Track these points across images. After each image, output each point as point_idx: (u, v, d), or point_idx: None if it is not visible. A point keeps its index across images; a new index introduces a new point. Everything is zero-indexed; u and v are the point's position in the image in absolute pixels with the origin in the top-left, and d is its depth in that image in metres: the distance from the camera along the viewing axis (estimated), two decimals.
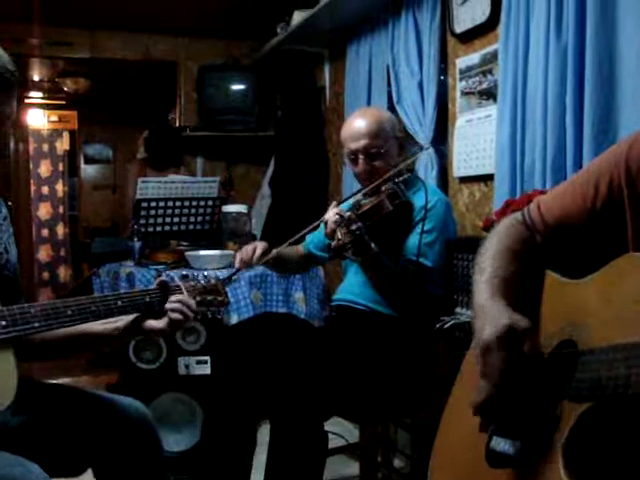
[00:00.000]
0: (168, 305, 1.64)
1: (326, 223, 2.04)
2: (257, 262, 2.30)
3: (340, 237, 1.92)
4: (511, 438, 1.12)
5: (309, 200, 4.20)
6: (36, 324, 1.43)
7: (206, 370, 2.92)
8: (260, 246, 2.34)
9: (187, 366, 2.92)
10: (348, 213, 2.00)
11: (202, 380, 2.93)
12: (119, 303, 1.57)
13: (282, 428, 2.03)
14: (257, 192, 5.03)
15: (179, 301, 1.65)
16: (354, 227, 1.93)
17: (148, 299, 1.63)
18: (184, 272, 1.84)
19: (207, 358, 2.93)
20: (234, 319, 3.10)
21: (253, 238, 3.83)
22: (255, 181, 5.11)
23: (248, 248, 2.35)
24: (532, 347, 1.15)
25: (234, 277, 2.19)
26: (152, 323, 1.62)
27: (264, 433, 2.39)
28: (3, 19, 4.21)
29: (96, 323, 1.63)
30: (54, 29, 4.67)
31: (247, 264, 2.31)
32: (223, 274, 2.56)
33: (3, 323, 1.38)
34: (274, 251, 2.34)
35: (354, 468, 2.99)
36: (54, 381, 1.84)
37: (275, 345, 2.53)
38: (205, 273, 1.85)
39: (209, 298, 1.77)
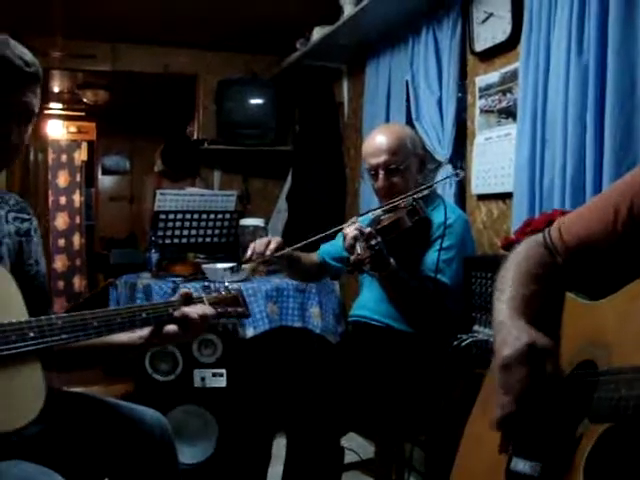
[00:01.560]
0: (187, 310, 1.65)
1: (345, 237, 2.05)
2: (270, 255, 2.30)
3: (359, 251, 1.93)
4: (531, 459, 1.12)
5: (326, 215, 4.21)
6: (64, 335, 1.44)
7: (222, 383, 2.92)
8: (275, 240, 2.34)
9: (203, 378, 2.92)
10: (368, 228, 2.01)
11: (217, 393, 2.93)
12: (143, 315, 1.58)
13: (299, 442, 2.04)
14: (273, 206, 5.05)
15: (199, 310, 1.66)
16: (373, 242, 1.94)
17: (172, 311, 1.64)
18: (205, 283, 1.85)
19: (223, 371, 2.93)
20: (250, 332, 3.11)
21: None
22: (272, 195, 5.13)
23: (263, 240, 2.35)
24: (552, 366, 1.15)
25: (243, 266, 2.16)
26: (172, 329, 1.63)
27: (279, 446, 2.40)
28: (26, 32, 4.26)
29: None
30: (76, 42, 4.72)
31: (260, 255, 2.31)
32: (246, 286, 2.56)
33: (31, 334, 1.38)
34: (288, 249, 2.35)
35: None
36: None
37: (291, 359, 2.54)
38: (226, 284, 1.86)
39: (230, 309, 1.77)
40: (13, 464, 1.33)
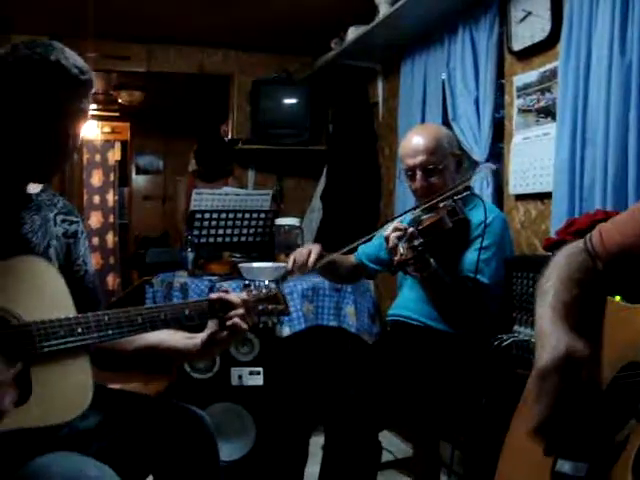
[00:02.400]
0: (225, 295, 1.66)
1: (387, 238, 2.05)
2: (312, 266, 2.31)
3: (402, 252, 1.94)
4: (577, 460, 1.12)
5: (360, 215, 4.22)
6: (110, 331, 1.47)
7: (259, 381, 2.95)
8: (315, 250, 2.35)
9: (240, 377, 2.95)
10: (411, 229, 2.01)
11: (254, 391, 2.95)
12: (186, 312, 1.60)
13: (337, 437, 2.05)
14: (307, 205, 5.07)
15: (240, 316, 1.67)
16: (416, 243, 1.95)
17: (208, 309, 1.66)
18: (246, 282, 1.86)
19: (260, 369, 2.95)
20: (286, 331, 3.13)
21: None
22: (305, 194, 5.15)
23: (303, 251, 2.36)
24: (591, 373, 1.15)
25: (286, 279, 2.18)
26: (221, 334, 1.65)
27: (314, 445, 2.42)
28: (63, 34, 4.32)
29: (179, 339, 1.67)
30: (111, 43, 4.78)
31: (302, 269, 2.33)
32: (282, 285, 2.58)
33: (79, 330, 1.42)
34: (328, 257, 2.36)
35: None
36: None
37: (326, 358, 2.55)
38: (266, 282, 1.87)
39: (270, 307, 1.78)
40: (64, 456, 1.36)
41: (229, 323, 1.63)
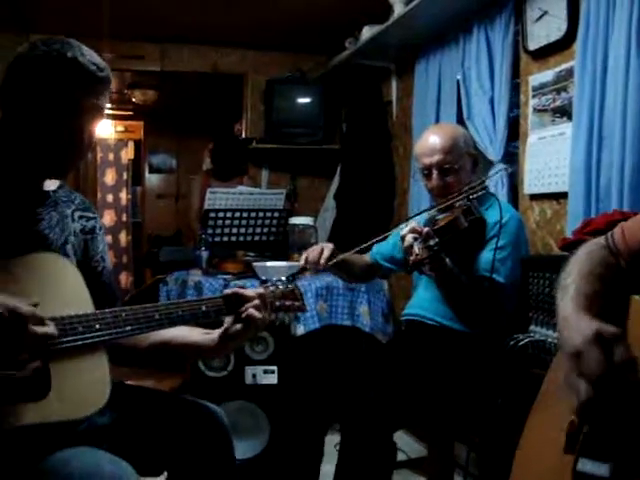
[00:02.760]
0: (241, 289, 1.67)
1: (403, 238, 2.05)
2: (324, 265, 2.32)
3: (418, 252, 1.94)
4: (601, 460, 1.11)
5: (374, 214, 4.22)
6: (127, 328, 1.48)
7: (273, 380, 2.95)
8: (327, 248, 2.36)
9: (254, 375, 2.95)
10: (426, 228, 2.01)
11: (269, 390, 2.96)
12: (203, 308, 1.61)
13: (353, 436, 2.05)
14: (320, 204, 5.07)
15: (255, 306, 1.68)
16: (432, 243, 1.95)
17: (224, 304, 1.66)
18: (263, 278, 1.86)
19: (274, 368, 2.96)
20: (301, 330, 3.14)
21: None
22: (319, 193, 5.15)
23: (316, 250, 2.37)
24: (623, 351, 1.13)
25: (297, 276, 2.19)
26: (236, 327, 1.65)
27: (328, 444, 2.42)
28: (79, 34, 4.34)
29: (195, 334, 1.68)
30: (125, 43, 4.81)
31: (314, 266, 2.34)
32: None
33: (97, 326, 1.43)
34: (341, 256, 2.36)
35: None
36: None
37: (340, 357, 2.55)
38: (283, 278, 1.87)
39: (287, 303, 1.79)
40: (83, 451, 1.37)
41: (244, 315, 1.62)
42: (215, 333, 1.68)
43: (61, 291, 1.46)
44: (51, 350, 1.34)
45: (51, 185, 1.63)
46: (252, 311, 1.62)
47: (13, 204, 1.50)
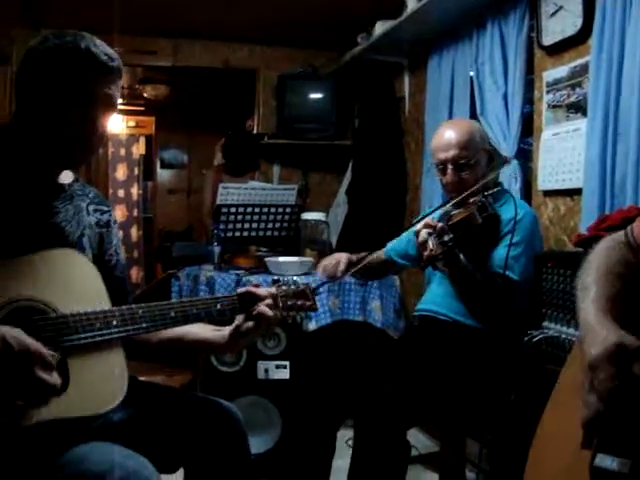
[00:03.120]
0: (253, 288, 1.68)
1: (417, 233, 2.05)
2: (341, 276, 2.34)
3: (432, 247, 1.94)
4: (619, 455, 1.11)
5: (386, 210, 4.21)
6: (144, 324, 1.49)
7: (285, 375, 2.96)
8: (343, 260, 2.38)
9: (266, 370, 2.96)
10: (440, 224, 2.01)
11: (281, 385, 2.96)
12: (218, 306, 1.62)
13: (367, 434, 2.05)
14: (332, 200, 5.07)
15: (267, 305, 1.69)
16: (446, 238, 1.95)
17: (238, 303, 1.67)
18: (275, 277, 1.87)
19: (286, 363, 2.96)
20: (312, 325, 3.14)
21: (330, 246, 3.87)
22: (330, 189, 5.15)
23: (332, 262, 2.38)
24: None
25: (320, 289, 2.21)
26: (248, 324, 1.66)
27: (340, 439, 2.43)
28: (90, 29, 4.35)
29: (206, 330, 1.69)
30: (138, 38, 4.82)
31: (332, 278, 2.35)
32: (308, 280, 2.60)
33: (114, 323, 1.44)
34: (360, 264, 2.37)
35: (430, 478, 2.99)
36: None
37: (353, 353, 2.55)
38: (295, 278, 1.89)
39: (299, 303, 1.79)
40: (102, 446, 1.38)
41: (255, 312, 1.64)
42: (226, 330, 1.70)
43: (79, 287, 1.47)
44: (69, 346, 1.35)
45: (66, 178, 1.63)
46: (263, 309, 1.65)
47: (30, 197, 1.51)
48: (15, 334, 1.20)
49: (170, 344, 1.70)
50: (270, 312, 1.65)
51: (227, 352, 2.86)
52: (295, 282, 1.85)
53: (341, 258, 2.37)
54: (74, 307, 1.40)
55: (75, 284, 1.47)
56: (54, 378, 1.24)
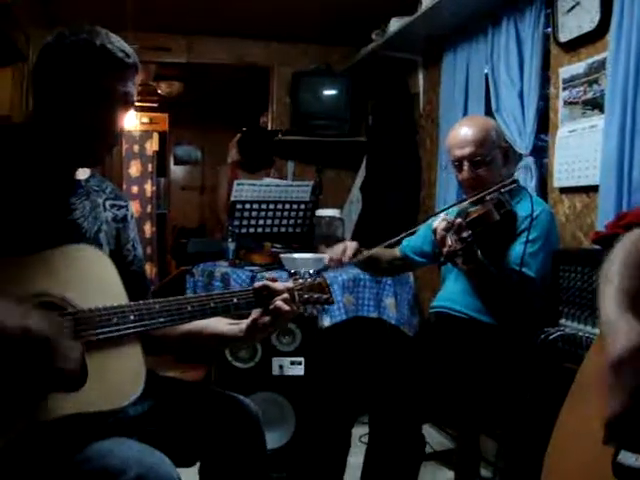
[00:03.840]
0: (270, 283, 1.69)
1: (435, 230, 2.05)
2: (348, 262, 2.34)
3: (451, 244, 1.94)
4: None
5: (400, 206, 4.21)
6: (161, 319, 1.50)
7: (300, 371, 2.96)
8: (350, 246, 2.37)
9: (281, 366, 2.96)
10: (459, 220, 2.01)
11: (295, 381, 2.97)
12: (235, 300, 1.63)
13: (381, 429, 2.06)
14: (345, 196, 5.08)
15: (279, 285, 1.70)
16: (465, 235, 1.95)
17: (255, 297, 1.68)
18: (292, 271, 1.88)
19: (301, 359, 2.97)
20: (327, 322, 3.15)
21: None
22: (344, 186, 5.15)
23: (339, 247, 2.39)
24: None
25: (322, 271, 2.21)
26: (265, 319, 1.67)
27: (353, 436, 2.43)
28: (105, 27, 4.37)
29: (222, 324, 1.69)
30: (152, 35, 4.84)
31: (337, 263, 2.35)
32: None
33: (131, 317, 1.45)
34: (366, 252, 2.37)
35: (445, 475, 2.99)
36: None
37: (367, 349, 2.56)
38: (311, 271, 1.89)
39: (316, 296, 1.80)
40: (120, 442, 1.39)
41: (272, 307, 1.65)
42: (242, 324, 1.70)
43: (97, 283, 1.48)
44: (87, 341, 1.36)
45: (83, 174, 1.64)
46: (280, 304, 1.65)
47: (47, 194, 1.52)
48: (38, 324, 1.22)
49: (187, 338, 1.70)
50: (287, 307, 1.66)
51: (242, 345, 2.86)
52: (311, 275, 1.85)
53: (348, 246, 2.37)
54: (92, 303, 1.41)
55: (93, 280, 1.48)
56: (74, 368, 1.25)
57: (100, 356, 1.39)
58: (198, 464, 1.71)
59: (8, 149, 1.48)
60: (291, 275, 1.84)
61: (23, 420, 1.25)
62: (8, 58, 3.85)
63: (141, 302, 1.49)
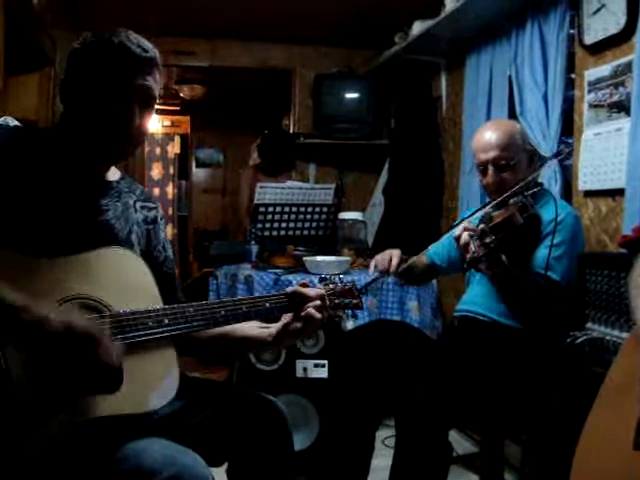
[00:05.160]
0: (303, 289, 1.70)
1: (458, 237, 2.04)
2: (394, 271, 2.33)
3: (475, 250, 1.93)
4: None
5: (423, 209, 4.20)
6: (194, 323, 1.51)
7: (323, 374, 2.97)
8: (396, 255, 2.36)
9: (305, 369, 2.97)
10: (482, 226, 2.01)
11: (319, 383, 2.98)
12: (267, 305, 1.64)
13: (409, 434, 2.05)
14: (367, 199, 5.08)
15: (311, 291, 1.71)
16: (488, 240, 1.94)
17: (287, 302, 1.69)
18: (323, 275, 1.89)
19: (325, 362, 2.97)
20: (350, 325, 3.15)
21: (367, 245, 3.88)
22: (366, 189, 5.16)
23: (385, 257, 2.37)
24: None
25: (370, 286, 2.21)
26: (296, 325, 1.68)
27: (378, 438, 2.43)
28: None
29: (252, 327, 1.71)
30: (176, 39, 4.87)
31: (384, 273, 2.34)
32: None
33: (166, 321, 1.46)
34: (409, 261, 2.36)
35: (469, 479, 2.98)
36: None
37: (390, 352, 2.56)
38: (341, 276, 1.90)
39: (346, 301, 1.81)
40: (155, 442, 1.40)
41: (304, 313, 1.66)
42: (272, 328, 1.71)
43: (132, 284, 1.50)
44: (123, 344, 1.38)
45: (114, 176, 1.66)
46: (312, 311, 1.66)
47: (79, 196, 1.53)
48: (81, 321, 1.24)
49: (218, 341, 1.71)
50: (318, 315, 1.66)
51: (272, 349, 2.87)
52: (341, 280, 1.87)
53: (394, 254, 2.36)
54: (127, 305, 1.43)
55: (128, 282, 1.49)
56: (117, 363, 1.27)
57: (135, 359, 1.40)
58: (226, 464, 1.72)
59: (37, 153, 1.50)
60: (322, 280, 1.85)
61: (62, 420, 1.27)
62: (35, 63, 3.89)
63: (175, 306, 1.51)
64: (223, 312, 1.56)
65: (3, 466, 1.20)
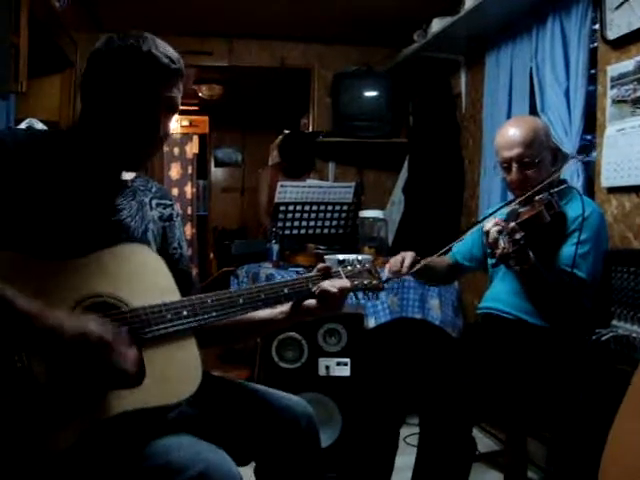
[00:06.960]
0: (326, 285, 1.70)
1: (487, 232, 2.04)
2: (406, 272, 2.33)
3: (504, 246, 1.93)
4: None
5: (443, 207, 4.19)
6: (214, 313, 1.52)
7: (346, 372, 2.97)
8: (409, 257, 2.36)
9: (327, 367, 2.97)
10: (512, 223, 2.00)
11: (341, 382, 2.98)
12: (285, 290, 1.65)
13: (434, 431, 2.05)
14: (386, 198, 5.07)
15: (337, 284, 1.72)
16: (517, 236, 1.94)
17: (311, 286, 1.70)
18: (340, 258, 1.90)
19: (347, 360, 2.97)
20: (372, 322, 3.15)
21: (387, 243, 3.87)
22: (385, 187, 5.16)
23: (397, 259, 2.38)
24: None
25: (385, 285, 2.22)
26: (311, 303, 1.70)
27: (400, 436, 2.43)
28: (148, 31, 4.42)
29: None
30: (194, 39, 4.90)
31: (396, 274, 2.35)
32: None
33: (184, 313, 1.47)
34: (423, 262, 2.36)
35: (493, 477, 2.97)
36: None
37: (412, 350, 2.55)
38: (360, 258, 1.90)
39: (365, 282, 1.82)
40: (183, 439, 1.41)
41: (318, 290, 1.68)
42: (285, 306, 1.73)
43: (149, 281, 1.50)
44: (143, 339, 1.39)
45: (128, 175, 1.66)
46: (327, 285, 1.69)
47: (94, 195, 1.54)
48: (97, 328, 1.26)
49: (234, 326, 1.71)
50: (334, 289, 1.68)
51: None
52: (360, 261, 1.87)
53: (406, 256, 2.36)
54: (145, 301, 1.43)
55: (145, 278, 1.50)
56: (132, 368, 1.29)
57: (157, 352, 1.41)
58: (253, 464, 1.72)
59: (56, 154, 1.50)
60: (340, 262, 1.86)
61: (86, 418, 1.28)
62: (56, 65, 3.92)
63: (193, 297, 1.52)
64: (241, 301, 1.58)
65: (32, 463, 1.21)
